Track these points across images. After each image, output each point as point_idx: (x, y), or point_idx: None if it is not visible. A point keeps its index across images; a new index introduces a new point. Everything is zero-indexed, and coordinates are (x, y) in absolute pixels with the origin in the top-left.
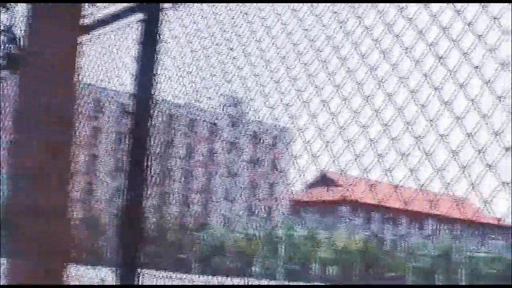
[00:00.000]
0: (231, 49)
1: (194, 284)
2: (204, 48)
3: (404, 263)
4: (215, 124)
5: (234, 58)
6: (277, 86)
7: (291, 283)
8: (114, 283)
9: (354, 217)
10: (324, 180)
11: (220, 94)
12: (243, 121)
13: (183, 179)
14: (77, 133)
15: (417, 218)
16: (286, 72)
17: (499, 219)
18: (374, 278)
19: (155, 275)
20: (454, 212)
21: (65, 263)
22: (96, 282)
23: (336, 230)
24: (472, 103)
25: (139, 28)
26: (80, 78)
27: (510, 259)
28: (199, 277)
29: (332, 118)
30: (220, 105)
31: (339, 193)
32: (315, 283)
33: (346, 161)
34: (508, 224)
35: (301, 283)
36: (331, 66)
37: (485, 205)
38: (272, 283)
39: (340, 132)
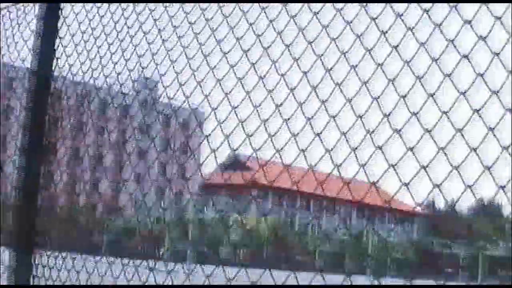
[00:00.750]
0: (129, 27)
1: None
2: (104, 25)
3: (313, 246)
4: (121, 104)
5: (132, 36)
6: (190, 63)
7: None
8: (9, 263)
9: (264, 200)
10: (234, 163)
11: (119, 72)
12: (153, 100)
13: (88, 159)
14: None
15: (327, 201)
16: (199, 50)
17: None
18: (284, 261)
19: (57, 256)
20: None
21: None
22: None
23: (246, 213)
24: (364, 85)
25: (40, 4)
26: None
27: (417, 244)
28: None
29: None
30: (127, 83)
31: (249, 176)
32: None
33: (239, 141)
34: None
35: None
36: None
37: (374, 187)
38: (181, 265)
39: (235, 112)
